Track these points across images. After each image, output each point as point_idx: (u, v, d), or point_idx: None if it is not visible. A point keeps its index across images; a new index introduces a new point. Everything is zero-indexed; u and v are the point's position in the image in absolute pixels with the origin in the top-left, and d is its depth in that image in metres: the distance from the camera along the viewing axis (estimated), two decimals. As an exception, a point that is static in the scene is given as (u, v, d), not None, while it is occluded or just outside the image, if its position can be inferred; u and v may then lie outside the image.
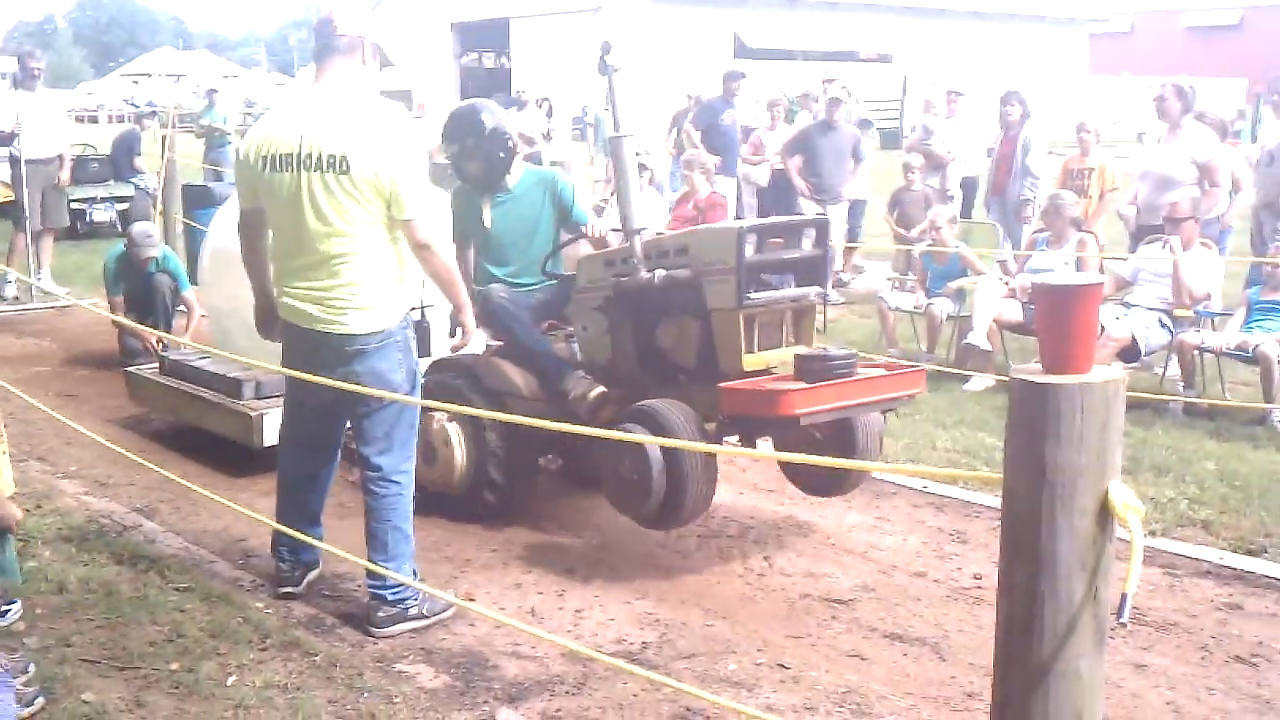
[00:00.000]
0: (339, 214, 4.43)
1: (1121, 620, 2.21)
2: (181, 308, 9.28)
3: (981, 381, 8.55)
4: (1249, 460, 6.79)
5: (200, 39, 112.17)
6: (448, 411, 5.64)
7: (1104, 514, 2.19)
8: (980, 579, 5.19)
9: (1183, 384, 8.09)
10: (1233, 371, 8.26)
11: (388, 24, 50.22)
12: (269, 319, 4.89)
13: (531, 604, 4.97)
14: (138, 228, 9.31)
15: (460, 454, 5.80)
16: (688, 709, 4.06)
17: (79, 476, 6.57)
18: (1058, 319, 2.26)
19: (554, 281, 6.12)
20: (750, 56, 35.05)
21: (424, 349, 4.91)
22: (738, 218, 12.82)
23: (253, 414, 6.44)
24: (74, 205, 16.53)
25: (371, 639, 4.61)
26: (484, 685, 4.26)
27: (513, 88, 34.87)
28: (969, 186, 13.07)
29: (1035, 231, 10.00)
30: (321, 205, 4.43)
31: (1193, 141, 9.02)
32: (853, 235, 12.48)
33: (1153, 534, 5.60)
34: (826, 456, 5.19)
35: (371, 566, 4.64)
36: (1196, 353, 7.99)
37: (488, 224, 6.04)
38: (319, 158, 4.41)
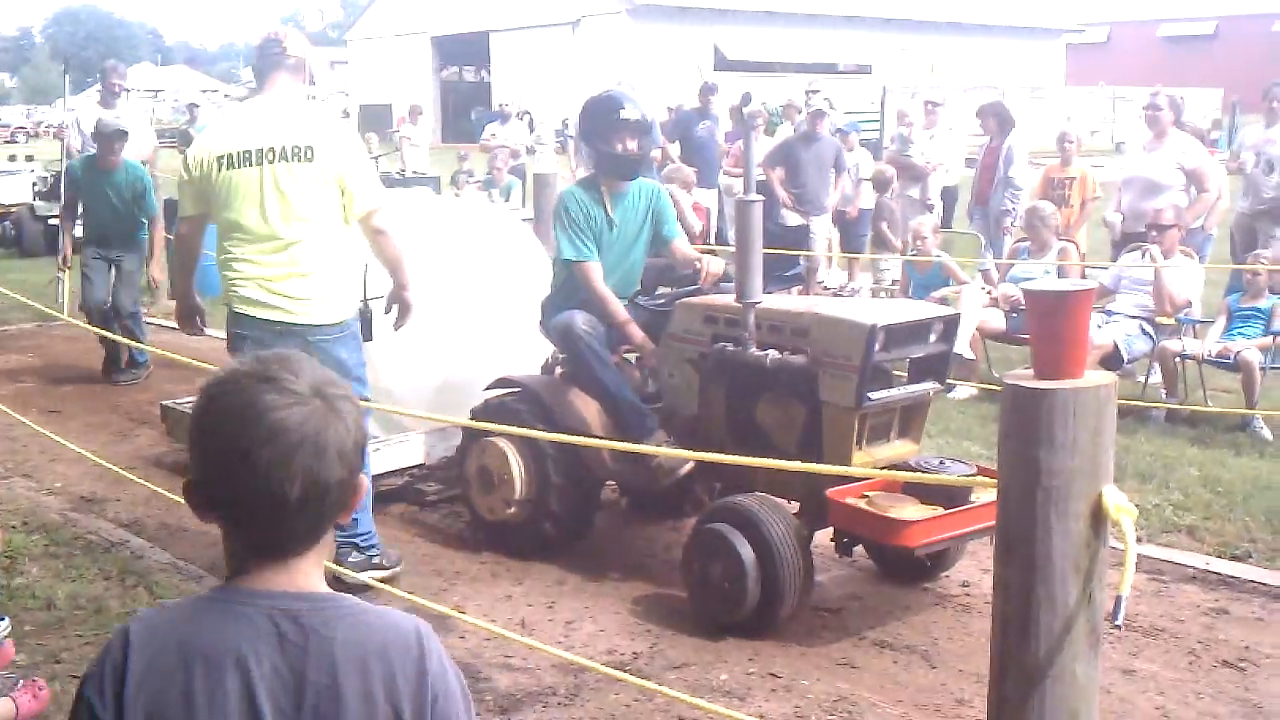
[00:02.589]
0: (303, 201, 4.76)
1: (1116, 623, 2.23)
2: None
3: (965, 390, 8.59)
4: (1232, 466, 6.84)
5: (177, 52, 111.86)
6: (502, 434, 5.36)
7: (1097, 517, 2.22)
8: (968, 586, 5.21)
9: (1165, 391, 8.14)
10: (1214, 378, 8.30)
11: (368, 38, 50.30)
12: (190, 315, 5.34)
13: (522, 615, 4.97)
14: (108, 118, 8.99)
15: (520, 482, 5.49)
16: (680, 718, 4.07)
17: (65, 493, 6.54)
18: (1050, 324, 2.29)
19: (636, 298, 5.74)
20: (730, 69, 35.17)
21: (366, 335, 5.24)
22: (719, 229, 12.87)
23: None
24: (52, 221, 16.49)
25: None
26: (476, 697, 4.23)
27: (493, 101, 34.92)
28: (949, 196, 13.14)
29: (1017, 241, 10.06)
30: (286, 193, 4.76)
31: (1178, 148, 9.08)
32: (861, 245, 12.52)
33: (1139, 540, 5.61)
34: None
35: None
36: (1178, 360, 8.04)
37: (617, 222, 5.58)
38: (282, 150, 4.75)
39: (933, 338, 5.04)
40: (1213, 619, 4.92)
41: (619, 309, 5.49)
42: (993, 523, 4.58)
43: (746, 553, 4.60)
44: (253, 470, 1.51)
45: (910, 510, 4.57)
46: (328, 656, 1.54)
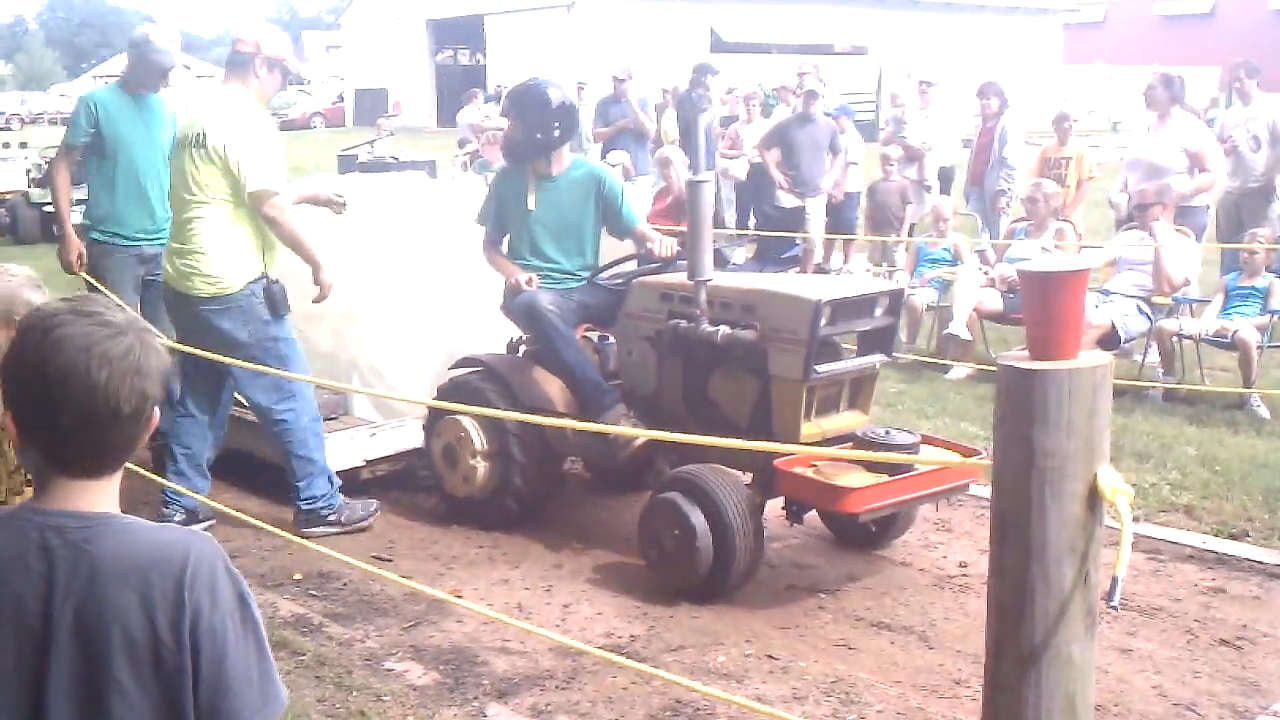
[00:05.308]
0: (196, 182, 5.30)
1: (1112, 604, 2.22)
2: None
3: (962, 371, 8.58)
4: (1229, 445, 6.84)
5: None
6: (468, 413, 5.48)
7: (1093, 498, 2.21)
8: (965, 567, 5.21)
9: (1162, 370, 8.13)
10: (1211, 357, 8.30)
11: (363, 22, 50.13)
12: None
13: (519, 599, 4.96)
14: (153, 29, 6.56)
15: (483, 459, 5.63)
16: (677, 701, 4.07)
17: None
18: (1045, 305, 2.27)
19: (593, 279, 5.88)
20: (726, 50, 35.07)
21: (277, 309, 5.47)
22: (716, 212, 12.84)
23: None
24: (48, 208, 16.45)
25: (360, 639, 4.61)
26: (473, 681, 4.26)
27: (488, 84, 34.78)
28: (946, 177, 13.10)
29: (1014, 221, 10.05)
30: (187, 175, 5.33)
31: (1182, 129, 9.06)
32: (850, 228, 12.49)
33: (1135, 520, 5.62)
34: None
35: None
36: (1175, 339, 8.03)
37: (531, 206, 5.80)
38: (190, 136, 5.35)
39: (878, 311, 5.21)
40: (1210, 598, 4.92)
41: (504, 263, 5.87)
42: (936, 489, 4.86)
43: (699, 520, 4.73)
44: (90, 390, 1.71)
45: (855, 478, 4.70)
46: (87, 570, 1.71)
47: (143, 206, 6.40)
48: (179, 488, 5.54)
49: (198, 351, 5.21)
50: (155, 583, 1.71)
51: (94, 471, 1.78)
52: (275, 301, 5.45)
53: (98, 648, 1.70)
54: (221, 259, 5.33)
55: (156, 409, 1.84)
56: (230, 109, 5.37)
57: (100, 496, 1.79)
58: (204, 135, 5.27)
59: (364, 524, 5.67)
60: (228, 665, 1.74)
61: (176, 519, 5.47)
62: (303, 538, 5.35)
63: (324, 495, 5.62)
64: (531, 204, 5.81)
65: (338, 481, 5.71)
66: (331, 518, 5.62)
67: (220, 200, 5.30)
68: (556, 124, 5.75)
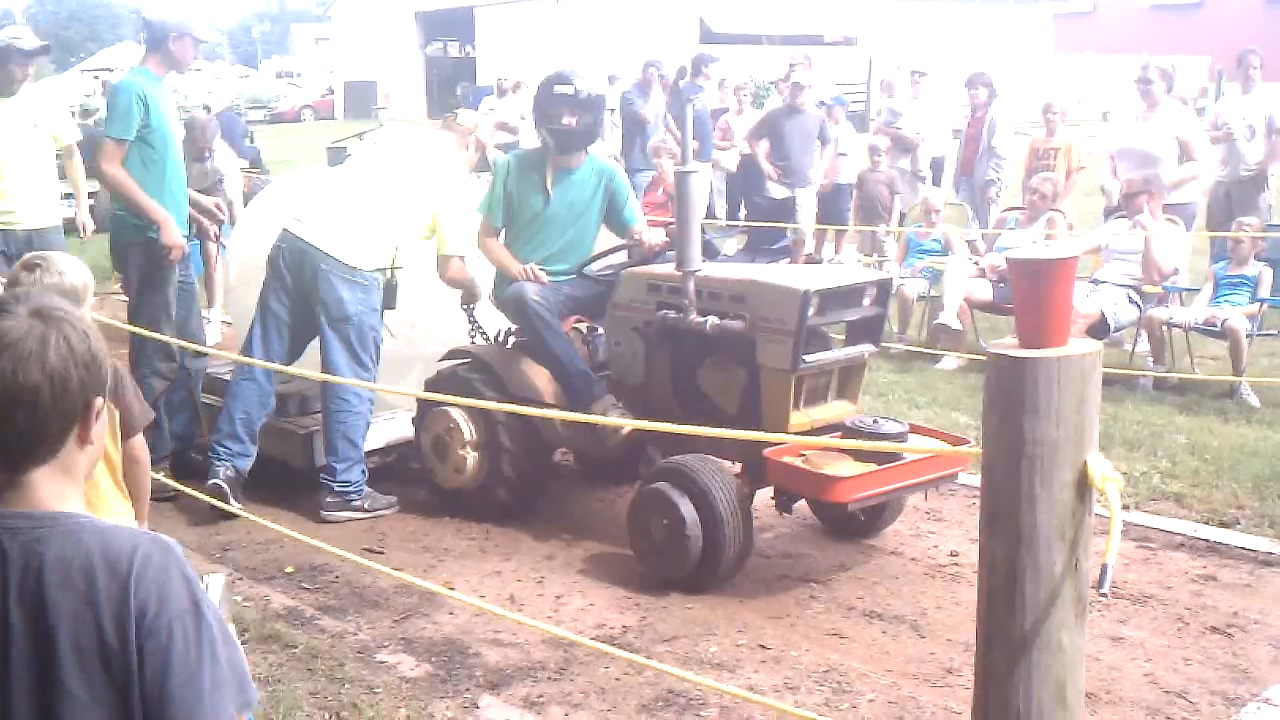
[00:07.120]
0: (394, 180, 5.87)
1: (1102, 591, 2.23)
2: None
3: (953, 361, 8.59)
4: (1219, 433, 6.85)
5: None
6: (457, 405, 5.50)
7: (1083, 486, 2.21)
8: (956, 556, 5.22)
9: (1152, 359, 8.15)
10: (1201, 346, 8.32)
11: (352, 14, 50.02)
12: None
13: (511, 591, 4.97)
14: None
15: (473, 450, 5.65)
16: (670, 691, 4.07)
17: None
18: (1034, 293, 2.28)
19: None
20: (715, 41, 35.00)
21: (390, 302, 5.83)
22: (709, 204, 12.82)
23: (301, 432, 6.06)
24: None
25: (352, 631, 4.61)
26: (465, 673, 4.26)
27: (478, 76, 34.70)
28: (936, 167, 13.10)
29: (1005, 210, 10.06)
30: (390, 170, 5.95)
31: (1171, 118, 9.07)
32: (842, 219, 12.49)
33: (1126, 508, 5.62)
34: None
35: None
36: (1165, 328, 8.05)
37: (551, 198, 5.76)
38: (409, 155, 6.00)
39: (866, 301, 5.22)
40: (1201, 585, 4.94)
41: (504, 254, 5.81)
42: (925, 478, 4.87)
43: (688, 510, 4.74)
44: None
45: (844, 467, 4.73)
46: (36, 571, 1.67)
47: (184, 198, 6.11)
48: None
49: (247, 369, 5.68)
50: (101, 583, 1.67)
51: (22, 465, 1.73)
52: (390, 294, 5.83)
53: (48, 652, 1.66)
54: (372, 240, 5.75)
55: (93, 399, 1.76)
56: (453, 168, 6.03)
57: (54, 492, 1.75)
58: (422, 172, 5.87)
59: (384, 513, 5.83)
60: (171, 672, 1.66)
61: (224, 474, 5.72)
62: (324, 520, 5.72)
63: (356, 483, 5.79)
64: (551, 196, 5.77)
65: (366, 473, 5.89)
66: (357, 503, 5.79)
67: (398, 203, 5.80)
68: (595, 118, 5.86)
